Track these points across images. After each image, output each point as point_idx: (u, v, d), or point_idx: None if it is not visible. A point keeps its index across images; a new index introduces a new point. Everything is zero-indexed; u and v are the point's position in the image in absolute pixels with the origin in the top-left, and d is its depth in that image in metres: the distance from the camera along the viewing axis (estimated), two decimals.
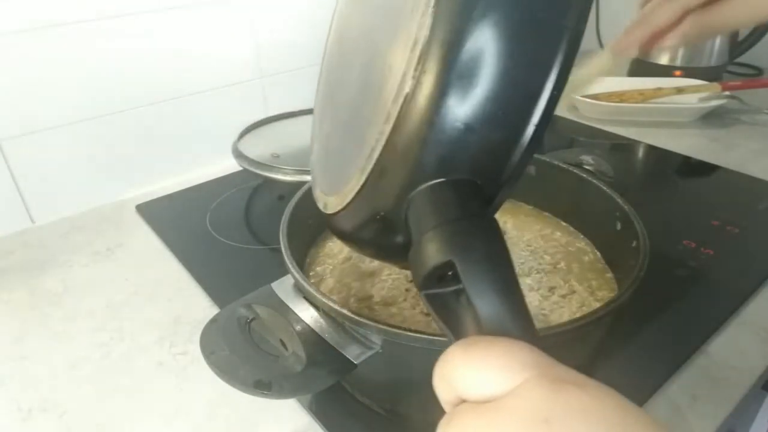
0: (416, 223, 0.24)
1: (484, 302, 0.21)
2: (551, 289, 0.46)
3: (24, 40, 0.62)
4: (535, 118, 0.23)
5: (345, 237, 0.31)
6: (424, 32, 0.22)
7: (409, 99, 0.23)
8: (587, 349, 0.41)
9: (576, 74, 0.41)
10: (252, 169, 0.66)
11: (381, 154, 0.25)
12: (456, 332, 0.22)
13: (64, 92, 0.66)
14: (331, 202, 0.30)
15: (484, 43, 0.22)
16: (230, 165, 0.71)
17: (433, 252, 0.22)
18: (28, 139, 0.65)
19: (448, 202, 0.24)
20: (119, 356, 0.49)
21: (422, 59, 0.22)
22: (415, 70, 0.23)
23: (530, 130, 0.23)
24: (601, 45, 1.18)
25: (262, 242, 0.64)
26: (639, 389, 0.44)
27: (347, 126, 0.30)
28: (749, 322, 0.51)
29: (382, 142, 0.25)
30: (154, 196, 0.73)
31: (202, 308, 0.54)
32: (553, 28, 0.22)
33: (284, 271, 0.40)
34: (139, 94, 0.72)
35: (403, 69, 0.23)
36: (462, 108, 0.23)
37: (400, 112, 0.24)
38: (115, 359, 0.49)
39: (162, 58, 0.72)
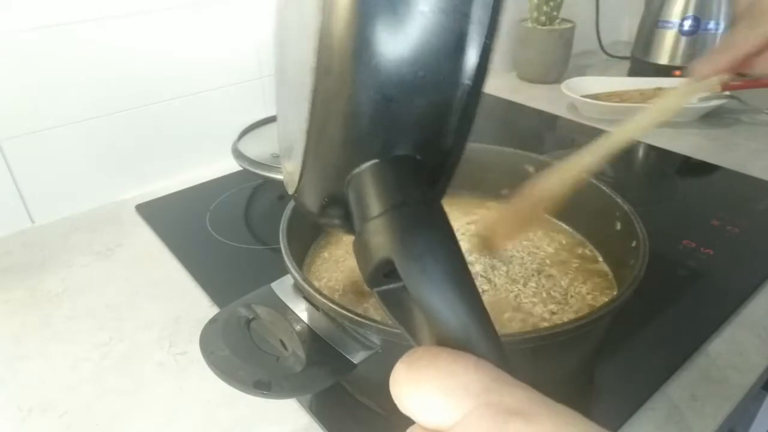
0: (356, 212, 0.22)
1: (428, 305, 0.19)
2: (550, 289, 0.46)
3: (24, 40, 0.62)
4: (465, 76, 0.20)
5: (310, 218, 0.28)
6: None
7: (320, 71, 0.20)
8: (587, 349, 0.41)
9: (659, 104, 0.40)
10: (252, 169, 0.66)
11: (308, 135, 0.23)
12: (412, 333, 0.20)
13: (64, 92, 0.66)
14: (290, 183, 0.28)
15: None
16: (230, 165, 0.71)
17: (372, 248, 0.20)
18: (28, 139, 0.65)
19: (384, 187, 0.21)
20: (119, 356, 0.49)
21: (325, 17, 0.19)
22: (321, 33, 0.20)
23: (462, 90, 0.20)
24: (601, 45, 1.18)
25: (262, 242, 0.64)
26: (639, 389, 0.44)
27: (291, 105, 0.28)
28: (749, 322, 0.51)
29: (306, 121, 0.22)
30: (154, 196, 0.73)
31: (202, 308, 0.54)
32: None
33: (284, 271, 0.40)
34: (139, 95, 0.72)
35: (312, 35, 0.20)
36: (377, 75, 0.19)
37: (314, 87, 0.21)
38: (115, 359, 0.49)
39: (162, 58, 0.72)
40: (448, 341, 0.18)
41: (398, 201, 0.20)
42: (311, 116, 0.22)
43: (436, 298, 0.19)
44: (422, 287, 0.19)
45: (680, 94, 0.39)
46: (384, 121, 0.21)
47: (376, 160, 0.21)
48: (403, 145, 0.21)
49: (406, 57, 0.19)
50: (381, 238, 0.20)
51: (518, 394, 0.17)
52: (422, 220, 0.20)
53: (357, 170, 0.22)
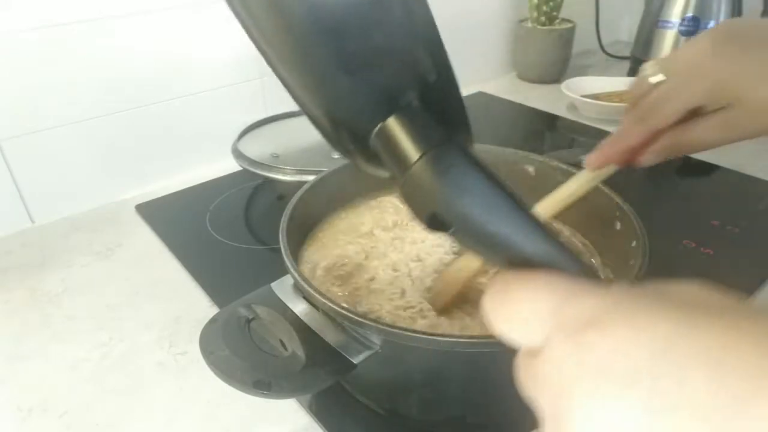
0: (391, 166, 0.23)
1: (484, 240, 0.20)
2: None
3: (24, 40, 0.62)
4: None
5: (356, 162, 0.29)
6: None
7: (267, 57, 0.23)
8: None
9: (559, 192, 0.42)
10: (252, 169, 0.66)
11: (305, 109, 0.24)
12: (492, 261, 0.22)
13: (64, 92, 0.66)
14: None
15: None
16: (230, 165, 0.71)
17: (417, 203, 0.21)
18: (28, 139, 0.65)
19: (407, 139, 0.22)
20: (119, 356, 0.49)
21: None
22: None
23: (410, 16, 0.21)
24: (601, 45, 1.18)
25: (262, 242, 0.64)
26: None
27: None
28: None
29: (295, 95, 0.24)
30: (154, 196, 0.73)
31: (202, 308, 0.54)
32: None
33: (284, 271, 0.40)
34: (139, 94, 0.72)
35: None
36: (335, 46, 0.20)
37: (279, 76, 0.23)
38: (115, 359, 0.49)
39: (162, 58, 0.72)
40: (518, 263, 0.20)
41: (425, 148, 0.21)
42: (292, 90, 0.24)
43: (489, 233, 0.20)
44: (471, 227, 0.20)
45: (580, 184, 0.41)
46: (360, 84, 0.22)
47: (385, 120, 0.22)
48: (395, 96, 0.22)
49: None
50: (420, 193, 0.21)
51: (590, 304, 0.17)
52: (451, 163, 0.21)
53: (376, 129, 0.22)
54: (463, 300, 0.42)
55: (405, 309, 0.42)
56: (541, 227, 0.20)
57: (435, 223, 0.21)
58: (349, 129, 0.24)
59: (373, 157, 0.24)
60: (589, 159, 0.40)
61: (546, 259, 0.19)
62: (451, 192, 0.20)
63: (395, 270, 0.46)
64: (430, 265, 0.47)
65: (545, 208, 0.42)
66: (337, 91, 0.22)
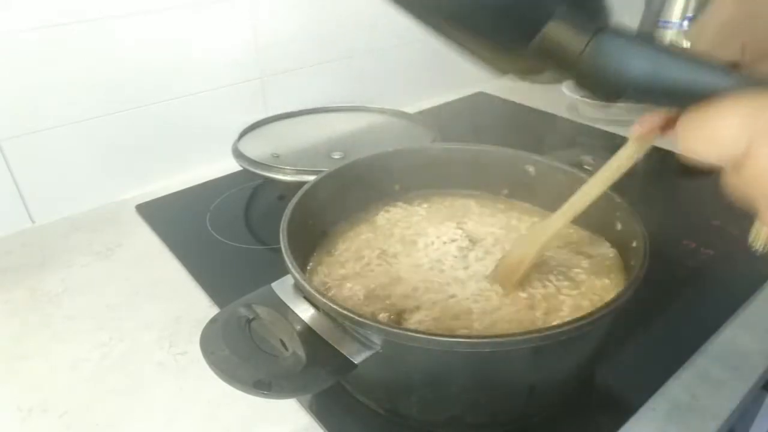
0: (559, 61, 0.27)
1: (669, 92, 0.25)
2: (552, 288, 0.46)
3: (24, 40, 0.62)
4: None
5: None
6: None
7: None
8: (588, 349, 0.41)
9: (607, 167, 0.43)
10: (252, 169, 0.66)
11: (456, 39, 0.29)
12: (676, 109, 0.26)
13: (64, 92, 0.66)
14: None
15: None
16: (230, 165, 0.71)
17: (590, 86, 0.27)
18: (28, 139, 0.65)
19: (571, 35, 0.26)
20: (119, 356, 0.49)
21: None
22: None
23: None
24: None
25: (262, 242, 0.64)
26: (639, 389, 0.44)
27: None
28: (749, 322, 0.51)
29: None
30: (154, 196, 0.73)
31: (202, 308, 0.54)
32: None
33: (284, 271, 0.40)
34: (140, 94, 0.72)
35: None
36: None
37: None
38: (115, 359, 0.49)
39: (162, 58, 0.72)
40: (703, 98, 0.23)
41: (588, 37, 0.26)
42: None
43: (667, 85, 0.25)
44: (649, 86, 0.25)
45: (627, 154, 0.43)
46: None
47: (545, 26, 0.26)
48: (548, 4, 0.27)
49: None
50: (594, 73, 0.26)
51: None
52: (614, 42, 0.26)
53: (539, 36, 0.27)
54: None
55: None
56: (714, 65, 0.24)
57: (612, 92, 0.26)
58: (511, 42, 0.28)
59: (528, 62, 0.29)
60: (634, 129, 0.42)
61: (729, 88, 0.23)
62: (624, 62, 0.25)
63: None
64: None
65: (599, 181, 0.43)
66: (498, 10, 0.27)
